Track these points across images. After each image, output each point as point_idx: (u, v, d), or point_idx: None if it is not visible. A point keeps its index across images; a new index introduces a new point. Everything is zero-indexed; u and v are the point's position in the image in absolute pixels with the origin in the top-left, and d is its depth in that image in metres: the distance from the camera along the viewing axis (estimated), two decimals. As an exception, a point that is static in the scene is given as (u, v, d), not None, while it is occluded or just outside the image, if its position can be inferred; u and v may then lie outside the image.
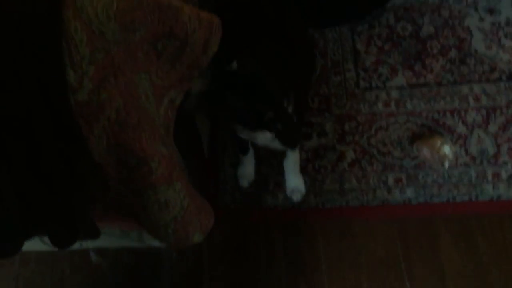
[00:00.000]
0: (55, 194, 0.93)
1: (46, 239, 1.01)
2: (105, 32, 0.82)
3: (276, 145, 1.37)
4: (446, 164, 1.56)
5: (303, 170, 1.65)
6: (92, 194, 0.99)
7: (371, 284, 1.48)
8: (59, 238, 0.99)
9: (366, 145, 1.67)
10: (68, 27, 0.81)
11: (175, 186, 0.97)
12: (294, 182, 1.60)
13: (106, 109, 0.85)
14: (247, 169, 1.64)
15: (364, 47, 1.83)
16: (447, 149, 1.56)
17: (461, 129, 1.65)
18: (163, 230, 1.01)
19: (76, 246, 1.53)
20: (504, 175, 1.58)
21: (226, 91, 1.14)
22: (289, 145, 1.46)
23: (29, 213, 0.93)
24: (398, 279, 1.48)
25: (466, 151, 1.62)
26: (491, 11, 1.83)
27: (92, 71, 0.82)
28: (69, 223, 0.99)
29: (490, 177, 1.58)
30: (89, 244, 1.55)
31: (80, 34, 0.81)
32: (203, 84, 1.12)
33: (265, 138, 1.30)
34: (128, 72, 0.86)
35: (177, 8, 0.88)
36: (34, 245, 1.09)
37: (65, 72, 0.81)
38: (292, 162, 1.56)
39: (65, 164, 0.90)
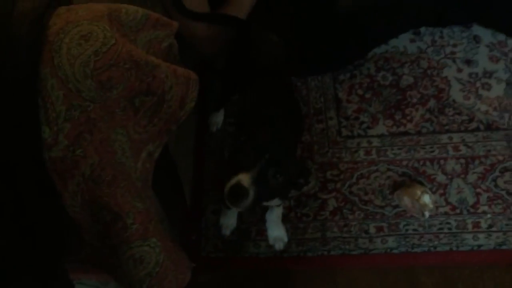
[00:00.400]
0: (29, 248, 0.92)
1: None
2: (82, 89, 0.83)
3: (272, 201, 1.36)
4: (427, 214, 1.57)
5: (286, 217, 1.65)
6: (66, 248, 0.98)
7: (353, 337, 1.46)
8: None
9: (347, 193, 1.68)
10: (44, 84, 0.82)
11: (151, 242, 0.96)
12: (277, 232, 1.59)
13: (81, 165, 0.85)
14: (230, 219, 1.63)
15: (346, 96, 1.87)
16: (427, 199, 1.57)
17: (441, 178, 1.67)
18: (137, 286, 0.99)
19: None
20: (483, 225, 1.58)
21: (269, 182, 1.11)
22: (284, 199, 1.46)
23: (5, 266, 0.92)
24: (380, 331, 1.46)
25: (446, 200, 1.63)
26: (468, 62, 1.88)
27: (68, 128, 0.82)
28: (42, 278, 0.97)
29: (470, 227, 1.59)
30: (66, 294, 1.52)
31: (56, 91, 0.82)
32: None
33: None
34: (104, 129, 0.87)
35: (154, 65, 0.90)
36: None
37: (40, 129, 0.82)
38: (276, 215, 1.56)
39: (41, 218, 0.89)
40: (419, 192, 1.58)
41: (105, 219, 0.90)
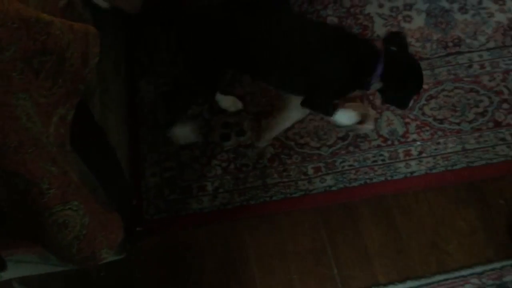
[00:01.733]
0: None
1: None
2: (-31, 55, 0.78)
3: None
4: (370, 125, 1.60)
5: (225, 170, 1.66)
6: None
7: (300, 275, 1.51)
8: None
9: (284, 139, 1.70)
10: None
11: (72, 205, 0.94)
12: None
13: (-19, 134, 0.81)
14: (186, 131, 1.63)
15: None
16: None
17: (371, 113, 1.71)
18: (67, 251, 0.98)
19: (-3, 278, 1.47)
20: (414, 152, 1.64)
21: None
22: None
23: None
24: (326, 267, 1.51)
25: (378, 133, 1.68)
26: (389, -4, 1.91)
27: (-40, 97, 0.78)
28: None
29: (402, 156, 1.64)
30: (9, 274, 1.49)
31: None
32: None
33: None
34: (2, 94, 0.83)
35: (46, 22, 0.86)
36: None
37: None
38: None
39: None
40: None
41: (19, 187, 0.88)
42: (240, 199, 1.63)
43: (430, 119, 1.69)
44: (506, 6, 1.88)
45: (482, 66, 1.75)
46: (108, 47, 1.72)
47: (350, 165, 1.64)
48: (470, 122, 1.67)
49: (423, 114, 1.70)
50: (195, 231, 1.60)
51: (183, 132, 1.68)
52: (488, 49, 1.79)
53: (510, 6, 1.88)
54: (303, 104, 1.50)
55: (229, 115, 1.75)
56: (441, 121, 1.68)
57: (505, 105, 1.69)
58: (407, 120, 1.69)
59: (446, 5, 1.89)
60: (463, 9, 1.88)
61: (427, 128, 1.67)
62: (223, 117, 1.76)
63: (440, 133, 1.66)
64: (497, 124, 1.66)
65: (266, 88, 1.79)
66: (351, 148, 1.67)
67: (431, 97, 1.72)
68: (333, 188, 1.62)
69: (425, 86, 1.73)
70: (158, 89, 1.82)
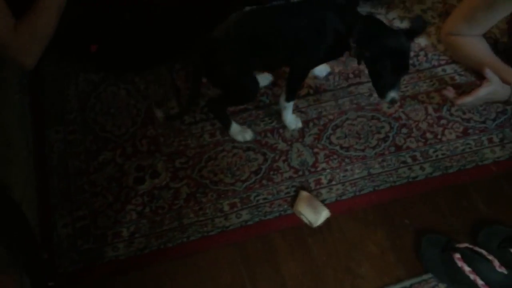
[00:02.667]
0: None
1: None
2: None
3: None
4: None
5: (141, 214, 1.65)
6: None
7: (221, 313, 1.50)
8: None
9: (198, 178, 1.71)
10: None
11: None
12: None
13: None
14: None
15: (184, 83, 1.89)
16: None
17: (282, 145, 1.76)
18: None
19: None
20: (324, 180, 1.70)
21: None
22: None
23: None
24: (246, 302, 1.51)
25: (289, 165, 1.73)
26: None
27: None
28: None
29: (313, 185, 1.69)
30: None
31: None
32: None
33: None
34: None
35: None
36: None
37: None
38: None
39: None
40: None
41: None
42: (157, 242, 1.61)
43: (337, 148, 1.76)
44: (398, 37, 2.01)
45: (381, 94, 1.86)
46: (11, 101, 1.69)
47: (265, 198, 1.67)
48: (373, 148, 1.76)
49: (331, 143, 1.77)
50: (112, 280, 1.56)
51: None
52: (385, 78, 1.91)
53: (402, 37, 2.01)
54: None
55: (141, 158, 1.75)
56: (347, 149, 1.76)
57: (404, 130, 1.79)
58: (316, 150, 1.76)
59: (345, 39, 2.00)
60: (360, 42, 2.00)
61: (335, 156, 1.74)
62: (136, 160, 1.75)
63: (347, 160, 1.74)
64: (398, 148, 1.76)
65: (179, 128, 1.81)
66: (264, 182, 1.70)
67: (337, 126, 1.80)
68: (249, 223, 1.64)
69: (330, 117, 1.82)
70: (67, 137, 1.79)
